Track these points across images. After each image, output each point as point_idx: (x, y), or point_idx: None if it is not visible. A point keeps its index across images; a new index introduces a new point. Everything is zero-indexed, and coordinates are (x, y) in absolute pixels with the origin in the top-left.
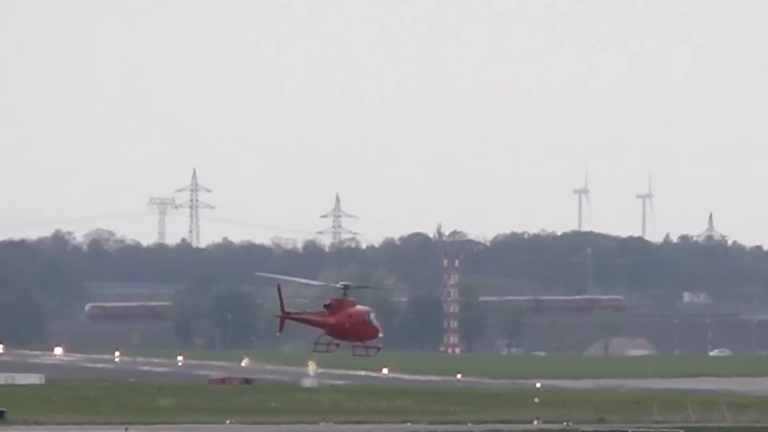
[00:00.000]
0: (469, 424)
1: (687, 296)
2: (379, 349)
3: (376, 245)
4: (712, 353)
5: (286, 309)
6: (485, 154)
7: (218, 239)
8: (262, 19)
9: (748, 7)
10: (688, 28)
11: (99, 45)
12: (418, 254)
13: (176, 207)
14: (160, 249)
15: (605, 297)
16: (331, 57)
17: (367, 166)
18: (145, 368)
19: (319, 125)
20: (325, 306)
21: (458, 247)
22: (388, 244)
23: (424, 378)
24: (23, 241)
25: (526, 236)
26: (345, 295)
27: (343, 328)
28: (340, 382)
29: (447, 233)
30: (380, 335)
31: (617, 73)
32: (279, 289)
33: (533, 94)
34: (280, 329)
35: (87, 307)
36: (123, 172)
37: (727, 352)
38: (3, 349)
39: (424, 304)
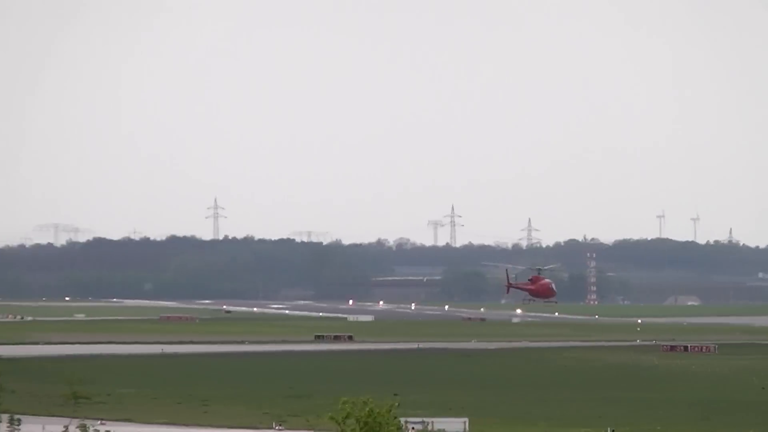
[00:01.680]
0: (601, 342)
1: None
2: (555, 302)
3: (551, 246)
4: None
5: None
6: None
7: (466, 242)
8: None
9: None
10: (470, 83)
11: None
12: (570, 252)
13: (443, 225)
14: (434, 248)
15: None
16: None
17: (551, 203)
18: (428, 312)
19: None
20: (529, 280)
21: (595, 248)
22: (557, 246)
23: (576, 317)
24: (360, 245)
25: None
26: (539, 273)
27: (538, 291)
28: (533, 319)
29: (589, 239)
30: (555, 295)
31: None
32: (507, 271)
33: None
34: (507, 292)
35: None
36: (417, 205)
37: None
38: (352, 302)
39: (576, 279)
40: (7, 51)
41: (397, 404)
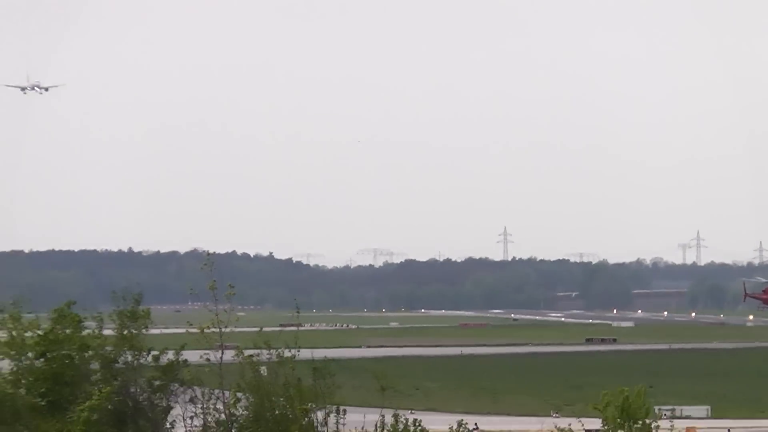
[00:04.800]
0: None
1: None
2: None
3: None
4: None
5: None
6: None
7: (708, 261)
8: None
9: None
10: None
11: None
12: None
13: (690, 247)
14: (683, 266)
15: None
16: None
17: None
18: (677, 319)
19: None
20: (763, 291)
21: None
22: None
23: None
24: (622, 264)
25: None
26: None
27: None
28: (764, 323)
29: None
30: None
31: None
32: (743, 284)
33: None
34: (743, 300)
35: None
36: (667, 227)
37: None
38: (616, 311)
39: None
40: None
41: (645, 390)
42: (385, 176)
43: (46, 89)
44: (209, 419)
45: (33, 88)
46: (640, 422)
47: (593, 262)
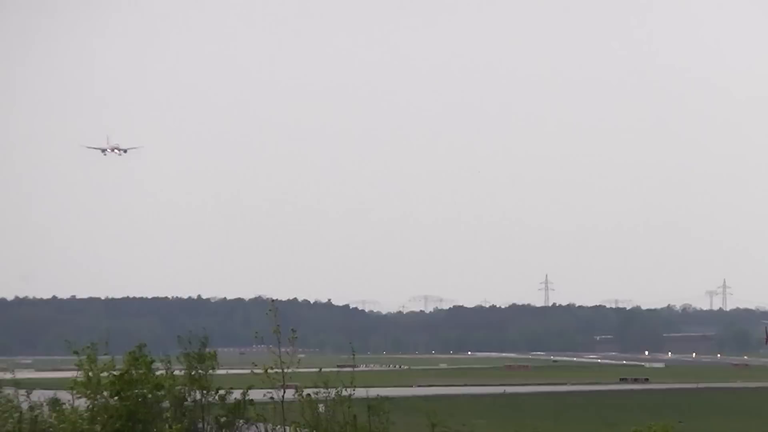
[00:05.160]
0: None
1: None
2: None
3: None
4: None
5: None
6: None
7: (734, 307)
8: None
9: None
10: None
11: None
12: None
13: (717, 294)
14: (710, 312)
15: None
16: None
17: None
18: (704, 360)
19: None
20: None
21: None
22: None
23: None
24: (654, 309)
25: None
26: None
27: None
28: None
29: None
30: None
31: None
32: (766, 329)
33: None
34: (766, 343)
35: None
36: (695, 274)
37: None
38: (648, 353)
39: None
40: None
41: (672, 427)
42: (435, 226)
43: (125, 151)
44: None
45: (113, 150)
46: None
47: (627, 308)
